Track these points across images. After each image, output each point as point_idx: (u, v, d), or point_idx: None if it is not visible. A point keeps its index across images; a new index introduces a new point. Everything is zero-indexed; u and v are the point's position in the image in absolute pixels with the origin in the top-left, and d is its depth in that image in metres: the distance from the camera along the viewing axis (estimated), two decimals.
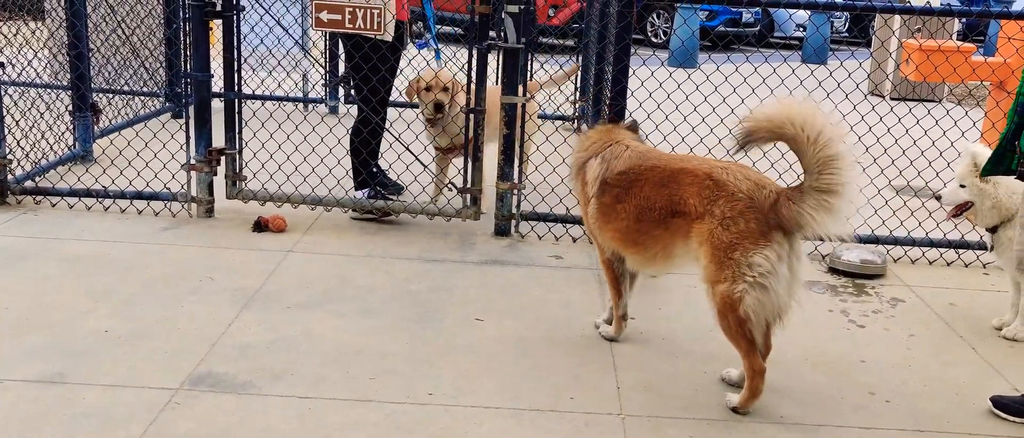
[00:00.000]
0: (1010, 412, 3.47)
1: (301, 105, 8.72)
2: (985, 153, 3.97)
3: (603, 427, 3.29)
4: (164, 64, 8.18)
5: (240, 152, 5.57)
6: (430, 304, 4.36)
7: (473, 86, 5.26)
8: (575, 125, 8.55)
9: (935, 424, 3.46)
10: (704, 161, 3.58)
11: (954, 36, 11.66)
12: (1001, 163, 3.61)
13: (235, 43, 5.43)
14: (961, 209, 4.33)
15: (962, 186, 4.27)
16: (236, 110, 5.52)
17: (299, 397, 3.40)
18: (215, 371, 3.56)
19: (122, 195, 5.55)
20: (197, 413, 3.26)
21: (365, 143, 5.51)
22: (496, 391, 3.52)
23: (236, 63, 5.46)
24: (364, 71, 5.37)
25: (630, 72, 5.33)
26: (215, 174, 5.54)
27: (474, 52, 5.27)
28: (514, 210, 5.47)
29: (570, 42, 10.53)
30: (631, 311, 4.38)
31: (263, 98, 8.43)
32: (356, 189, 5.65)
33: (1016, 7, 10.54)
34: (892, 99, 10.42)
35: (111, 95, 7.52)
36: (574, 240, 5.41)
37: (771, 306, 3.26)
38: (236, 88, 5.53)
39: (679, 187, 3.45)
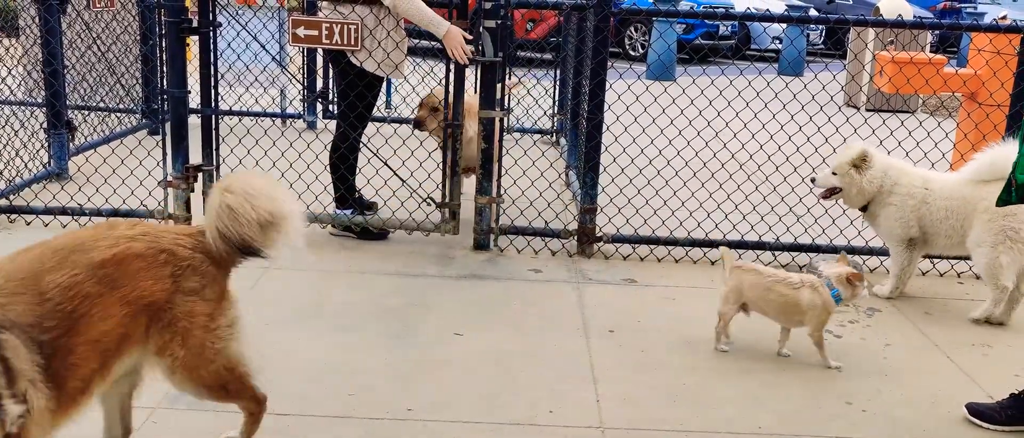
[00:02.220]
0: (985, 419, 3.51)
1: (279, 121, 8.70)
2: (868, 150, 4.73)
3: None
4: (140, 81, 8.14)
5: (218, 168, 5.54)
6: (409, 319, 4.36)
7: (451, 100, 5.28)
8: (554, 138, 8.58)
9: (911, 432, 3.49)
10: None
11: (928, 49, 11.82)
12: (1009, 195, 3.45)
13: (212, 59, 5.42)
14: (831, 193, 4.88)
15: (834, 173, 4.83)
16: (213, 126, 5.50)
17: (277, 414, 3.38)
18: None
19: (98, 213, 5.50)
20: (175, 431, 3.23)
21: (343, 159, 5.50)
22: (475, 405, 3.52)
23: (213, 79, 5.45)
24: (360, 88, 5.35)
25: (607, 85, 5.37)
26: (193, 190, 5.50)
27: (452, 67, 5.28)
28: (493, 224, 5.48)
29: (548, 56, 10.57)
30: (611, 323, 4.40)
31: (241, 114, 8.40)
32: (336, 205, 5.64)
33: (987, 20, 10.70)
34: (867, 110, 10.53)
35: (87, 112, 7.46)
36: (553, 253, 5.43)
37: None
38: (213, 104, 5.51)
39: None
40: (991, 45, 6.10)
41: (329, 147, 5.63)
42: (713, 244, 5.44)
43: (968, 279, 5.30)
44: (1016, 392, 3.56)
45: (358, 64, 5.23)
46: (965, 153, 5.47)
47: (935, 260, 5.43)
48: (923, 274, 5.36)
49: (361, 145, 5.55)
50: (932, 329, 4.53)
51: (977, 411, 3.56)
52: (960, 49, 15.23)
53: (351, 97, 5.34)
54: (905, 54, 6.60)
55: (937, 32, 15.49)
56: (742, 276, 4.08)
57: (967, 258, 5.18)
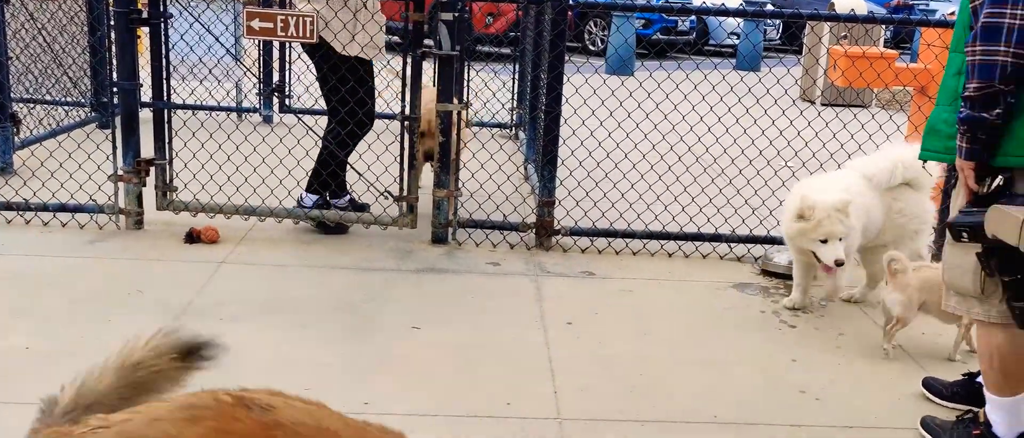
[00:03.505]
0: (933, 392, 3.69)
1: (234, 115, 8.58)
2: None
3: (540, 431, 3.30)
4: (89, 73, 7.97)
5: (170, 162, 5.45)
6: (366, 314, 4.32)
7: (407, 93, 5.24)
8: (513, 132, 8.57)
9: (864, 419, 3.54)
10: None
11: (881, 43, 12.02)
12: None
13: (163, 51, 5.32)
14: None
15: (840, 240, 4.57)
16: (165, 120, 5.41)
17: None
18: None
19: (45, 208, 5.38)
20: None
21: (333, 155, 5.44)
22: (432, 399, 3.50)
23: (165, 72, 5.35)
24: (347, 77, 5.27)
25: (565, 79, 5.37)
26: (144, 185, 5.41)
27: (408, 60, 5.25)
28: (451, 217, 5.46)
29: (506, 50, 10.56)
30: (569, 316, 4.41)
31: (194, 108, 8.26)
32: (331, 198, 5.60)
33: (937, 16, 10.90)
34: (822, 104, 10.68)
35: (32, 105, 7.28)
36: (511, 247, 5.42)
37: None
38: (165, 97, 5.41)
39: None
40: (941, 40, 6.18)
41: (323, 142, 5.52)
42: (670, 237, 5.48)
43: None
44: (968, 372, 3.70)
45: (341, 49, 5.17)
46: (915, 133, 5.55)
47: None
48: None
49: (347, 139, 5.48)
50: (879, 318, 4.60)
51: (929, 385, 3.73)
52: (912, 44, 15.51)
53: (342, 90, 5.26)
54: (858, 48, 6.69)
55: (891, 28, 15.77)
56: (927, 274, 3.91)
57: None
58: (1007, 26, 2.72)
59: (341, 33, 5.16)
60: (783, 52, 18.56)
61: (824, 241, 4.24)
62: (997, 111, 2.79)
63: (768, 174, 5.85)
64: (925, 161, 3.37)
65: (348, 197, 5.70)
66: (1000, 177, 2.89)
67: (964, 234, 2.88)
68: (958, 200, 3.05)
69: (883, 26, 12.30)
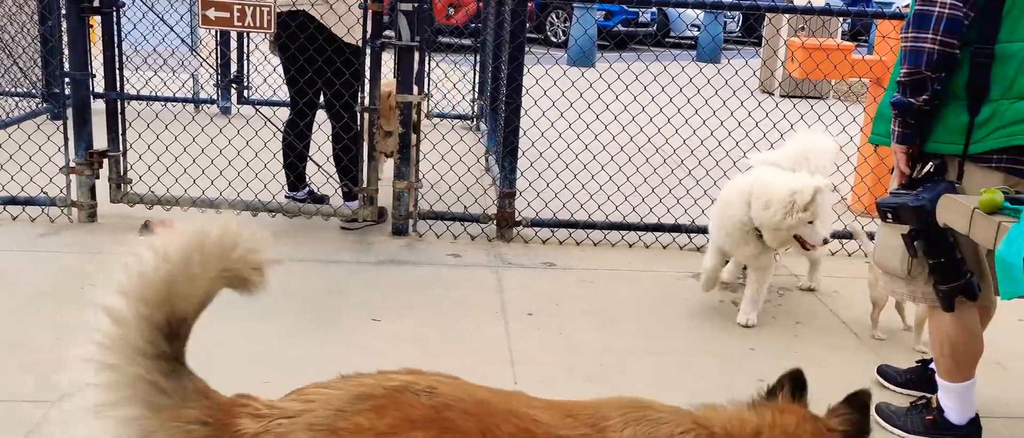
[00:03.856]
0: (887, 379, 3.77)
1: (191, 106, 8.45)
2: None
3: None
4: (39, 62, 7.80)
5: (124, 154, 5.36)
6: (326, 306, 4.29)
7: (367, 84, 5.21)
8: (474, 123, 8.55)
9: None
10: None
11: (838, 36, 12.17)
12: None
13: (116, 41, 5.22)
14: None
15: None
16: (119, 111, 5.31)
17: None
18: None
19: None
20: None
21: (346, 149, 5.37)
22: None
23: (118, 61, 5.25)
24: (346, 76, 5.20)
25: (526, 70, 5.36)
26: (97, 177, 5.31)
27: (367, 50, 5.21)
28: (412, 209, 5.43)
29: (467, 41, 10.53)
30: (530, 306, 4.41)
31: (149, 98, 8.13)
32: (345, 199, 5.54)
33: (893, 8, 11.07)
34: (781, 96, 10.80)
35: None
36: (472, 238, 5.41)
37: None
38: (119, 88, 5.31)
39: None
40: (895, 32, 6.29)
41: (333, 138, 5.42)
42: (630, 227, 5.51)
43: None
44: (921, 359, 3.79)
45: (343, 37, 5.11)
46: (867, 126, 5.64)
47: (843, 241, 5.59)
48: (832, 255, 5.52)
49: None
50: (840, 307, 4.67)
51: (883, 372, 3.81)
52: (869, 37, 15.74)
53: (349, 78, 5.20)
54: (815, 40, 6.77)
55: (848, 21, 15.98)
56: None
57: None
58: (936, 14, 2.80)
59: (355, 27, 5.11)
60: (742, 44, 18.73)
61: (811, 223, 4.23)
62: (924, 97, 2.86)
63: (727, 165, 5.90)
64: (876, 146, 3.43)
65: (307, 189, 5.66)
66: (931, 163, 2.96)
67: (888, 215, 2.94)
68: (893, 183, 3.13)
69: (840, 19, 12.46)
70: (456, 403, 1.79)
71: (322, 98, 5.39)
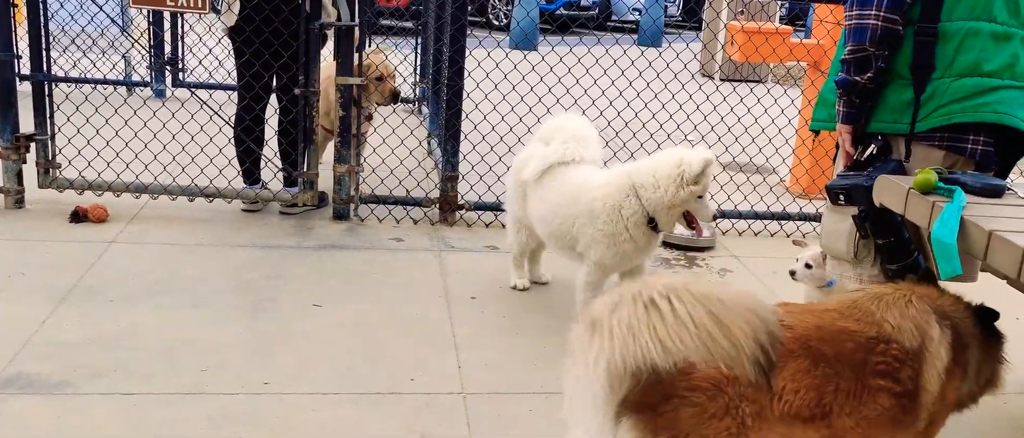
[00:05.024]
0: None
1: (123, 88, 8.21)
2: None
3: (443, 407, 3.28)
4: None
5: (53, 138, 5.18)
6: (265, 292, 4.21)
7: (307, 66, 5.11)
8: (417, 107, 8.47)
9: None
10: None
11: (777, 20, 12.35)
12: None
13: (42, 20, 5.04)
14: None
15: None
16: (46, 93, 5.13)
17: (123, 394, 3.20)
18: (26, 372, 3.30)
19: None
20: (7, 417, 3.01)
21: (285, 133, 5.29)
22: (334, 377, 3.44)
23: (44, 42, 5.07)
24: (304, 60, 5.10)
25: (468, 53, 5.32)
26: (24, 162, 5.13)
27: (306, 31, 5.10)
28: (353, 193, 5.36)
29: (408, 24, 10.42)
30: (473, 290, 4.39)
31: (77, 80, 7.86)
32: (285, 184, 5.45)
33: None
34: (721, 80, 10.92)
35: None
36: (415, 222, 5.37)
37: None
38: (45, 69, 5.13)
39: None
40: (832, 16, 6.39)
41: (279, 121, 5.33)
42: None
43: (813, 239, 5.58)
44: None
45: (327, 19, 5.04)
46: (809, 119, 5.74)
47: (782, 222, 5.69)
48: (771, 236, 5.61)
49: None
50: (779, 287, 4.74)
51: None
52: (807, 21, 16.00)
53: (287, 60, 5.11)
54: (754, 24, 6.85)
55: (786, 5, 16.22)
56: None
57: (814, 219, 5.46)
58: None
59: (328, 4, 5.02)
60: (683, 28, 18.89)
61: (700, 197, 3.91)
62: (869, 74, 2.90)
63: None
64: (816, 132, 3.46)
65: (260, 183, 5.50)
66: (873, 145, 3.00)
67: (841, 197, 2.98)
68: (838, 166, 3.16)
69: (779, 3, 12.64)
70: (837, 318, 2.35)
71: (276, 83, 5.28)
